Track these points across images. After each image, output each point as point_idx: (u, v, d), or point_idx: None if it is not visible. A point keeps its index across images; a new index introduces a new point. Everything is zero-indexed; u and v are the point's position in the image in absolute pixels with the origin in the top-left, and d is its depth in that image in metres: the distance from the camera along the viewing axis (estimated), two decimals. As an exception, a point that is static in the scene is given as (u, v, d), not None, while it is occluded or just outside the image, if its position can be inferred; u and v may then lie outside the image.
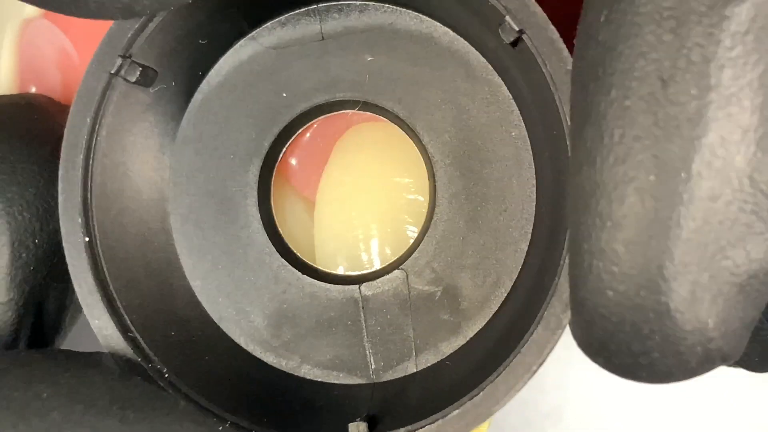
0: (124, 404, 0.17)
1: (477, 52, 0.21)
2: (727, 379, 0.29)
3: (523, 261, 0.21)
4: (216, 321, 0.22)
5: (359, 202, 0.23)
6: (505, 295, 0.21)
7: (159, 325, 0.21)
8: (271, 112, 0.22)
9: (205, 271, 0.22)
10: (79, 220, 0.20)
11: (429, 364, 0.21)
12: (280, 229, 0.23)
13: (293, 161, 0.24)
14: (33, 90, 0.26)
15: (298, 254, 0.23)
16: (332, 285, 0.22)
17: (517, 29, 0.19)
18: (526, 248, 0.21)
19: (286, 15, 0.22)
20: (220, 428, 0.19)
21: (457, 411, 0.18)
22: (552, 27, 0.18)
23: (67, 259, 0.20)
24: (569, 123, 0.16)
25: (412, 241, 0.22)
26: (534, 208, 0.21)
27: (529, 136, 0.21)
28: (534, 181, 0.21)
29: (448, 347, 0.21)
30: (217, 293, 0.22)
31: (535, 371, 0.18)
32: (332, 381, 0.22)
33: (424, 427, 0.19)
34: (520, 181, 0.21)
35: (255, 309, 0.22)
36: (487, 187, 0.21)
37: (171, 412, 0.18)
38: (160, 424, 0.17)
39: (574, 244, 0.14)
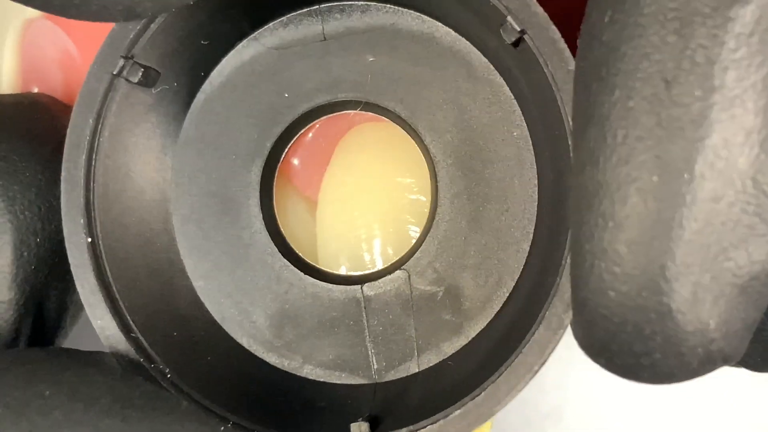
0: (125, 403, 0.17)
1: (478, 52, 0.21)
2: (728, 379, 0.29)
3: (524, 261, 0.21)
4: (218, 321, 0.22)
5: (361, 203, 0.23)
6: (507, 295, 0.21)
7: (161, 326, 0.21)
8: (273, 113, 0.22)
9: (207, 271, 0.22)
10: (82, 220, 0.20)
11: (431, 364, 0.21)
12: (282, 229, 0.23)
13: (295, 161, 0.24)
14: (35, 90, 0.26)
15: (300, 254, 0.23)
16: (334, 285, 0.22)
17: (519, 29, 0.19)
18: (527, 248, 0.21)
19: (288, 15, 0.22)
20: (222, 428, 0.19)
21: (458, 411, 0.18)
22: (553, 27, 0.18)
23: (70, 260, 0.20)
24: (571, 123, 0.16)
25: (414, 241, 0.22)
26: (536, 208, 0.21)
27: (530, 136, 0.21)
28: (536, 181, 0.21)
29: (450, 347, 0.21)
30: (219, 293, 0.22)
31: (536, 371, 0.18)
32: (334, 381, 0.22)
33: (425, 427, 0.19)
34: (521, 181, 0.21)
35: (257, 309, 0.22)
36: (489, 187, 0.21)
37: (172, 411, 0.18)
38: (161, 424, 0.17)
39: (576, 244, 0.14)
